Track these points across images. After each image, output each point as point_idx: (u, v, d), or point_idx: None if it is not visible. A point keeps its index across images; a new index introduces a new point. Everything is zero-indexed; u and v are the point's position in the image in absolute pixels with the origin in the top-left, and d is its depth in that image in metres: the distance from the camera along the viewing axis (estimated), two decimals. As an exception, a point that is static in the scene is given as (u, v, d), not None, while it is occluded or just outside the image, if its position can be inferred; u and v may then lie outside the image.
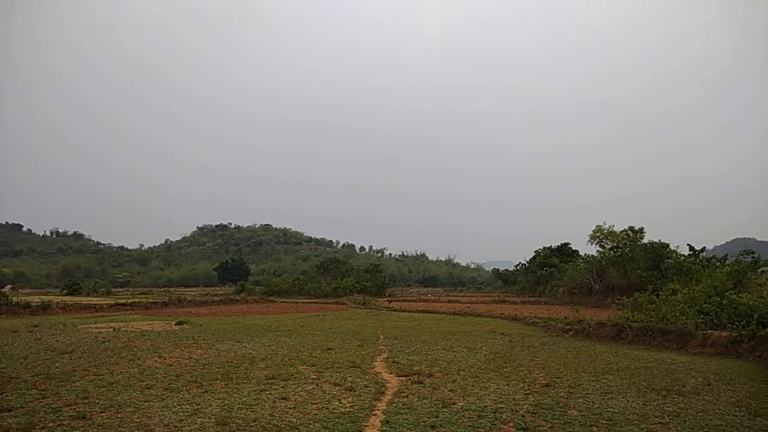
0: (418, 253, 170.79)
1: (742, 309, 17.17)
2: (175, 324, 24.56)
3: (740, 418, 8.43)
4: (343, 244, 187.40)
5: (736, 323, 16.81)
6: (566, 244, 67.54)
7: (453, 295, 65.98)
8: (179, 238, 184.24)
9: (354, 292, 59.93)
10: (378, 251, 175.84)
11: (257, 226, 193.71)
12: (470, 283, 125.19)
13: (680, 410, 8.89)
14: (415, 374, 11.87)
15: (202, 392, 9.93)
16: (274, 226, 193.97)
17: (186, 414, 8.32)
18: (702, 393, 10.37)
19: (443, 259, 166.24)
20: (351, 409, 8.69)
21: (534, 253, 70.29)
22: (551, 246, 68.52)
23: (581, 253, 62.02)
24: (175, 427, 7.63)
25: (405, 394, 9.87)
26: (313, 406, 8.93)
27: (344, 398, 9.52)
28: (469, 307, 39.19)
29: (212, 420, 7.97)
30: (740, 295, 18.57)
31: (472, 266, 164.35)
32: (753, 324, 16.14)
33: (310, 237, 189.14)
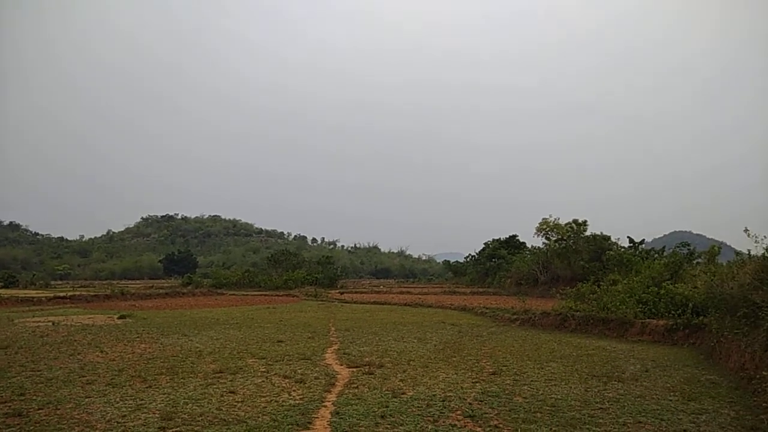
0: (371, 245, 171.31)
1: (678, 299, 18.05)
2: (118, 318, 23.72)
3: (675, 402, 8.89)
4: (295, 236, 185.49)
5: (673, 312, 17.68)
6: (514, 237, 69.19)
7: (405, 287, 66.50)
8: (122, 229, 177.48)
9: (305, 284, 59.48)
10: (330, 243, 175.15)
11: (205, 217, 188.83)
12: (422, 274, 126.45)
13: (619, 396, 9.30)
14: (365, 365, 11.93)
15: (146, 387, 9.66)
16: (223, 217, 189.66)
17: (129, 409, 8.07)
18: (640, 379, 10.88)
19: (395, 251, 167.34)
20: (301, 401, 8.66)
21: (483, 245, 71.72)
22: (500, 238, 70.04)
23: (528, 245, 63.77)
24: (118, 423, 7.39)
25: (355, 385, 9.90)
26: (262, 399, 8.84)
27: (294, 390, 9.47)
28: (420, 299, 39.63)
29: (157, 415, 7.76)
30: (676, 285, 19.50)
31: (424, 258, 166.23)
32: (688, 313, 17.02)
33: (261, 228, 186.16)
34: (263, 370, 11.44)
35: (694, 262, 27.41)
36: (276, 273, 67.09)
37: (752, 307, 10.77)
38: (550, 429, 7.23)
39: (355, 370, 11.53)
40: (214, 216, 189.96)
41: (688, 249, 34.20)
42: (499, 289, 53.02)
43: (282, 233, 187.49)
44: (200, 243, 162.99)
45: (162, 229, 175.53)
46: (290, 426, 7.29)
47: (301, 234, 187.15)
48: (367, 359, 12.73)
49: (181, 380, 10.29)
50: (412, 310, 30.91)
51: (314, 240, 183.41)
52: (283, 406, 8.38)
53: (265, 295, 48.96)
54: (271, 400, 8.74)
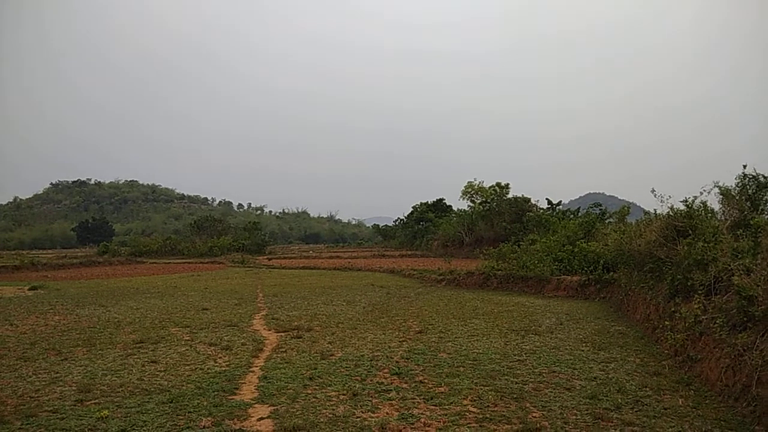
0: (300, 210, 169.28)
1: (591, 256, 19.19)
2: (29, 289, 22.28)
3: (586, 352, 9.52)
4: (220, 202, 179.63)
5: (586, 269, 18.82)
6: (441, 200, 70.67)
7: (334, 251, 66.59)
8: (30, 195, 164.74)
9: (232, 250, 58.17)
10: (257, 209, 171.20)
11: (121, 182, 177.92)
12: (352, 239, 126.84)
13: (536, 348, 9.83)
14: (294, 329, 11.90)
15: (62, 360, 9.18)
16: (140, 182, 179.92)
17: (43, 383, 7.65)
18: (555, 332, 11.54)
19: (325, 216, 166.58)
20: (227, 368, 8.53)
21: (412, 209, 72.81)
22: (427, 202, 71.29)
23: (455, 208, 65.37)
24: (31, 397, 6.98)
25: (284, 350, 9.87)
26: (186, 367, 8.63)
27: (220, 358, 9.31)
28: (349, 262, 39.86)
29: (73, 388, 7.40)
30: (589, 243, 20.67)
31: (354, 222, 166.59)
32: (599, 269, 18.17)
33: (183, 194, 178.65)
34: (187, 338, 11.14)
35: (606, 221, 28.96)
36: (200, 240, 65.06)
37: (657, 263, 11.59)
38: (472, 381, 7.54)
39: (283, 334, 11.47)
40: (131, 181, 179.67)
41: (601, 209, 36.14)
42: (426, 252, 54.28)
43: (206, 199, 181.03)
44: (116, 210, 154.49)
45: (74, 195, 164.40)
46: (216, 393, 7.16)
47: (227, 199, 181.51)
48: (295, 323, 12.69)
49: (99, 352, 9.84)
50: (342, 274, 31.08)
51: (240, 206, 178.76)
52: (208, 373, 8.22)
53: (189, 262, 47.44)
54: (196, 368, 8.55)
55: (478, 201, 51.41)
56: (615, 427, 5.72)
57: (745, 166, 12.22)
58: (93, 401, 6.85)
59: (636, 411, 6.24)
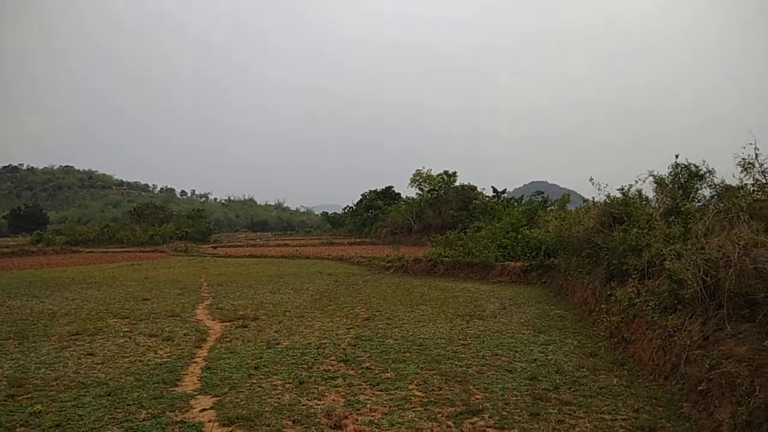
0: (246, 197, 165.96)
1: (533, 242, 19.76)
2: (-49, 282, 20.88)
3: (527, 335, 9.82)
4: (161, 189, 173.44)
5: (528, 254, 19.39)
6: (390, 188, 70.88)
7: (282, 239, 65.82)
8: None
9: (174, 239, 56.47)
10: (201, 196, 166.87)
11: (56, 167, 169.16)
12: (300, 227, 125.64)
13: (480, 332, 10.07)
14: (240, 319, 11.70)
15: (-11, 355, 8.68)
16: (76, 168, 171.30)
17: (-31, 380, 7.21)
18: (498, 316, 11.85)
19: (273, 204, 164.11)
20: (168, 359, 8.31)
21: (361, 197, 72.70)
22: (377, 189, 71.37)
23: (403, 196, 65.73)
24: (-46, 395, 6.57)
25: (228, 339, 9.69)
26: (125, 359, 8.34)
27: (161, 349, 9.06)
28: (298, 250, 39.49)
29: (4, 382, 7.03)
30: (532, 230, 21.28)
31: (302, 210, 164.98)
32: (541, 255, 18.76)
33: (122, 180, 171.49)
34: (126, 329, 10.76)
35: (548, 209, 29.89)
36: (140, 228, 62.77)
37: (594, 248, 12.08)
38: (418, 366, 7.64)
39: (228, 324, 11.25)
40: (66, 167, 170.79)
41: (543, 197, 37.26)
42: (375, 239, 54.42)
43: (146, 185, 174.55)
44: (50, 197, 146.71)
45: (5, 181, 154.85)
46: (156, 385, 6.96)
47: (168, 186, 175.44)
48: (241, 313, 12.48)
49: (32, 344, 9.38)
50: (290, 262, 30.75)
51: (183, 192, 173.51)
52: (148, 365, 7.98)
53: (129, 251, 45.73)
54: (135, 360, 8.28)
55: (427, 189, 51.81)
56: (553, 406, 5.94)
57: (677, 156, 12.84)
58: (25, 396, 6.54)
59: (573, 391, 6.49)
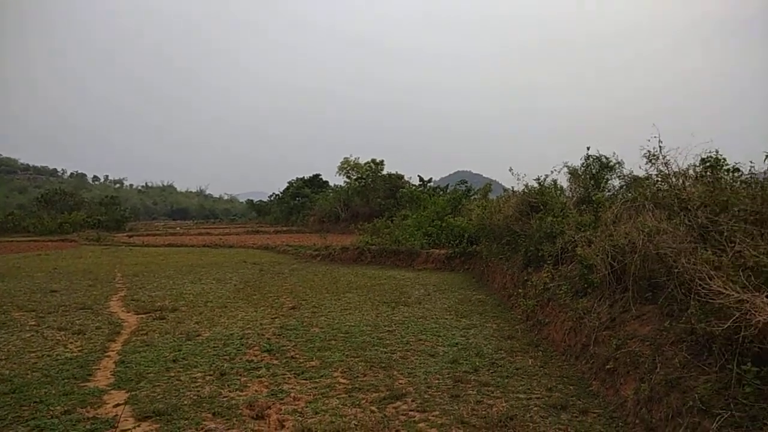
0: (165, 183, 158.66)
1: (457, 230, 20.29)
2: None
3: (450, 320, 10.09)
4: (72, 174, 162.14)
5: (452, 242, 19.89)
6: (317, 176, 70.22)
7: (205, 228, 63.63)
8: None
9: (86, 227, 53.18)
10: (116, 181, 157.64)
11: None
12: (224, 215, 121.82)
13: (405, 318, 10.23)
14: (157, 310, 11.23)
15: None
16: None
17: None
18: (423, 302, 12.09)
19: (194, 191, 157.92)
20: (79, 354, 7.87)
21: (287, 184, 71.51)
22: (304, 177, 70.48)
23: (331, 184, 65.35)
24: None
25: (144, 332, 9.30)
26: (32, 354, 7.82)
27: (71, 343, 8.55)
28: (221, 239, 38.37)
29: None
30: (456, 218, 21.84)
31: (226, 198, 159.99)
32: (464, 242, 19.29)
33: (28, 164, 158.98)
34: (33, 323, 10.06)
35: (472, 198, 30.74)
36: (48, 216, 58.47)
37: (513, 236, 12.56)
38: (343, 354, 7.66)
39: (144, 316, 10.78)
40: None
41: (466, 186, 38.23)
42: (302, 227, 53.81)
43: (55, 170, 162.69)
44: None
45: None
46: (66, 380, 6.57)
47: (80, 171, 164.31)
48: (158, 304, 11.98)
49: None
50: (212, 251, 29.83)
51: (96, 178, 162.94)
52: (57, 360, 7.52)
53: (36, 241, 42.57)
54: (43, 355, 7.78)
55: (354, 177, 51.80)
56: (473, 388, 6.15)
57: (588, 148, 13.53)
58: None
59: (492, 372, 6.75)
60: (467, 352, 7.69)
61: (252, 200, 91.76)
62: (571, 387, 6.22)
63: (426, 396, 5.88)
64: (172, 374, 6.83)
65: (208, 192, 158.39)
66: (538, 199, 12.22)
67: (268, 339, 8.64)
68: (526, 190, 13.00)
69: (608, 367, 6.00)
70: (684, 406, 4.45)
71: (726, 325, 4.18)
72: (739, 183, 6.64)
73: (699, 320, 4.65)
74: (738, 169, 6.62)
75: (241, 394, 6.05)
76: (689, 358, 4.83)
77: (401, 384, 6.29)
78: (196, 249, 32.08)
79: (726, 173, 6.60)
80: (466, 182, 40.06)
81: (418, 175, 48.13)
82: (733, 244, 4.89)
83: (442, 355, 7.59)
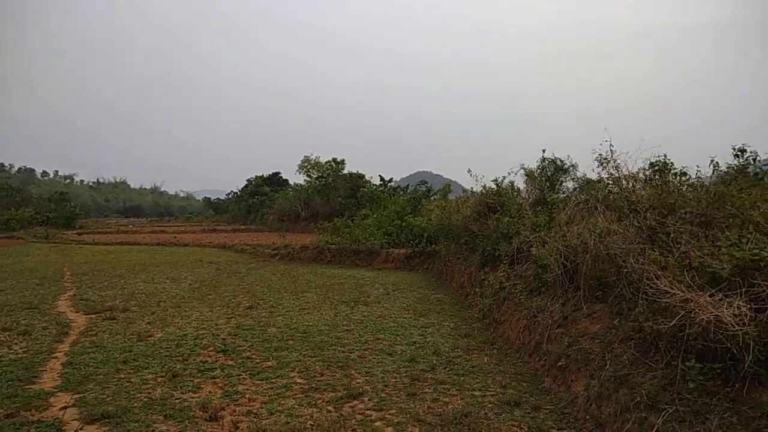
0: (118, 180, 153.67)
1: (416, 230, 20.41)
2: None
3: (408, 319, 10.14)
4: (19, 168, 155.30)
5: (412, 242, 20.00)
6: (277, 174, 69.40)
7: (159, 226, 61.87)
8: None
9: (34, 224, 50.92)
10: (66, 177, 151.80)
11: None
12: (179, 212, 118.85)
13: (363, 318, 10.22)
14: (107, 310, 10.86)
15: None
16: None
17: None
18: (382, 301, 12.11)
19: (148, 187, 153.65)
20: (24, 355, 7.55)
21: (246, 182, 70.40)
22: (263, 175, 69.55)
23: (291, 182, 64.72)
24: None
25: (94, 333, 8.98)
26: (-30, 358, 7.42)
27: (15, 344, 8.17)
28: (176, 237, 37.46)
29: None
30: (415, 218, 21.97)
31: (182, 195, 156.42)
32: (423, 242, 19.42)
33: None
34: (-28, 325, 9.56)
35: (431, 198, 30.99)
36: (-7, 212, 55.82)
37: (471, 236, 12.73)
38: (300, 353, 7.59)
39: (94, 316, 10.40)
40: None
41: (426, 186, 38.57)
42: (261, 226, 53.07)
43: (2, 165, 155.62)
44: None
45: None
46: (10, 382, 6.28)
47: (28, 166, 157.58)
48: (109, 304, 11.58)
49: None
50: (167, 250, 29.07)
51: (45, 173, 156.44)
52: (0, 362, 7.15)
53: (-22, 238, 40.55)
54: (-17, 358, 7.39)
55: (315, 176, 51.44)
56: (429, 386, 6.19)
57: (544, 151, 13.84)
58: None
59: (448, 370, 6.82)
60: (425, 351, 7.74)
61: (209, 198, 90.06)
62: (525, 384, 6.34)
63: (383, 395, 5.89)
64: (122, 376, 6.62)
65: (163, 189, 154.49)
66: (496, 200, 12.43)
67: (224, 339, 8.47)
68: (483, 191, 13.20)
69: (560, 364, 6.16)
70: (632, 401, 4.60)
71: (671, 323, 4.34)
72: (686, 186, 6.93)
73: (646, 318, 4.81)
74: (685, 173, 6.92)
75: (194, 395, 5.92)
76: (637, 355, 5.00)
77: (358, 383, 6.28)
78: (150, 247, 31.20)
79: (674, 177, 6.88)
80: (427, 182, 40.40)
81: (379, 175, 48.19)
82: (679, 245, 5.10)
83: (399, 353, 7.61)
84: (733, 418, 3.76)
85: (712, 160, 6.66)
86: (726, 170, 7.93)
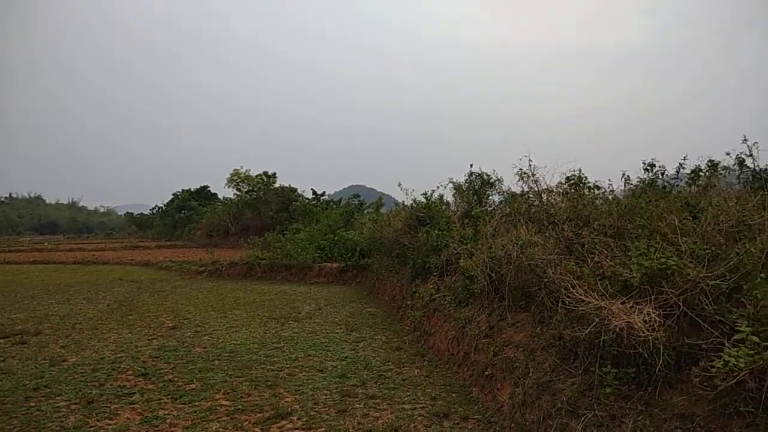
0: (32, 195, 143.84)
1: (349, 244, 20.36)
2: None
3: (340, 334, 10.06)
4: None
5: (344, 256, 19.93)
6: (205, 187, 67.36)
7: (77, 243, 58.31)
8: None
9: (-67, 243, 46.79)
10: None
11: None
12: (100, 229, 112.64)
13: (294, 334, 10.04)
14: (18, 334, 10.11)
15: None
16: None
17: None
18: (313, 317, 11.96)
19: (65, 203, 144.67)
20: None
21: (172, 196, 67.85)
22: (190, 189, 67.31)
23: (220, 196, 62.99)
24: None
25: (2, 359, 8.34)
26: None
27: None
28: (95, 255, 35.41)
29: None
30: (348, 232, 21.92)
31: (102, 210, 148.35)
32: (356, 256, 19.40)
33: None
34: None
35: (365, 211, 31.07)
36: None
37: (402, 249, 12.85)
38: (227, 374, 7.34)
39: (2, 341, 9.63)
40: None
41: (359, 200, 38.66)
42: (188, 242, 51.27)
43: None
44: None
45: None
46: None
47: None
48: (19, 327, 10.78)
49: None
50: (85, 269, 27.43)
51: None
52: None
53: None
54: None
55: (245, 189, 50.37)
56: (360, 401, 6.15)
57: (471, 165, 14.24)
58: None
59: (379, 384, 6.81)
60: (356, 366, 7.70)
61: (132, 213, 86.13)
62: (454, 394, 6.43)
63: (312, 413, 5.79)
64: (33, 404, 6.16)
65: (82, 204, 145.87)
66: (425, 213, 12.63)
67: (144, 362, 8.06)
68: (414, 205, 13.39)
69: (487, 373, 6.30)
70: (554, 408, 4.76)
71: (587, 331, 4.54)
72: (600, 200, 7.33)
73: (565, 326, 5.01)
74: (598, 186, 7.32)
75: (110, 422, 5.58)
76: (558, 362, 5.19)
77: (287, 402, 6.14)
78: (66, 266, 29.34)
79: (588, 190, 7.27)
80: (360, 196, 40.48)
81: (312, 189, 47.90)
82: (593, 256, 5.36)
83: (330, 369, 7.53)
84: (646, 420, 3.95)
85: (623, 174, 7.12)
86: (636, 184, 8.48)
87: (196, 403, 6.15)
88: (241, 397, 6.37)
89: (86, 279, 21.34)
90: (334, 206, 39.97)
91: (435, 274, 10.21)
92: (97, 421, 5.63)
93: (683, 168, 8.29)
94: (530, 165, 8.04)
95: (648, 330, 4.12)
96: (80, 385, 6.90)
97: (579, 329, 4.71)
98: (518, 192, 9.62)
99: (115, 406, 6.11)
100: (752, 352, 3.41)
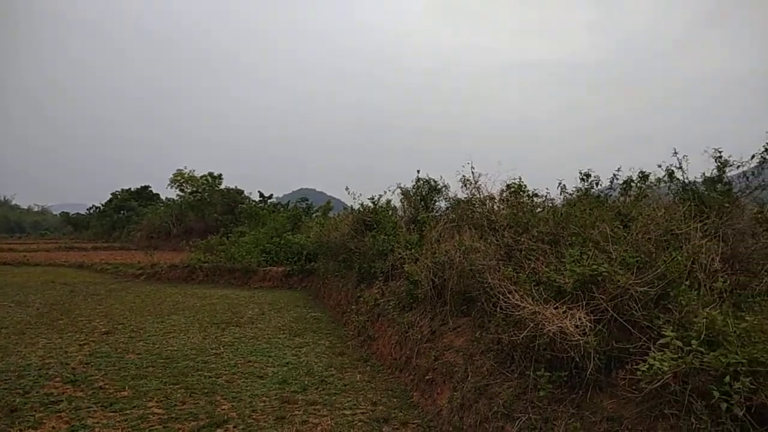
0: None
1: (295, 247, 20.13)
2: None
3: (283, 339, 9.91)
4: None
5: (290, 259, 19.68)
6: (146, 187, 65.10)
7: (8, 243, 55.01)
8: None
9: None
10: None
11: None
12: (32, 228, 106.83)
13: (235, 340, 9.81)
14: (-70, 341, 9.39)
15: None
16: None
17: None
18: (256, 322, 11.73)
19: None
20: None
21: (111, 196, 65.15)
22: (130, 188, 64.86)
23: (162, 197, 61.02)
24: None
25: None
26: None
27: None
28: (26, 256, 33.49)
29: None
30: (295, 235, 21.68)
31: (36, 209, 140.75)
32: (302, 260, 19.20)
33: None
34: None
35: (313, 215, 30.84)
36: None
37: (349, 253, 12.81)
38: (161, 381, 7.07)
39: None
40: None
41: (307, 203, 38.37)
42: (127, 244, 49.26)
43: None
44: None
45: None
46: None
47: None
48: (-67, 334, 10.04)
49: None
50: (14, 270, 25.88)
51: None
52: None
53: None
54: None
55: (189, 190, 48.97)
56: (300, 408, 6.07)
57: (419, 171, 14.37)
58: None
59: (320, 390, 6.74)
60: (297, 371, 7.60)
61: (68, 213, 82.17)
62: (395, 399, 6.45)
63: (250, 421, 5.66)
64: (-58, 418, 5.73)
65: (14, 202, 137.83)
66: (372, 218, 12.64)
67: (73, 368, 7.67)
68: (361, 209, 13.39)
69: (428, 377, 6.35)
70: (490, 411, 4.84)
71: (523, 335, 4.66)
72: (539, 209, 7.55)
73: (503, 331, 5.13)
74: (537, 194, 7.54)
75: (33, 433, 5.27)
76: (496, 366, 5.29)
77: (224, 410, 5.98)
78: (-7, 267, 27.64)
79: (527, 197, 7.47)
80: (308, 199, 40.19)
81: (259, 191, 47.20)
82: (530, 262, 5.51)
83: (271, 376, 7.39)
84: (577, 423, 4.08)
85: (559, 183, 7.38)
86: (572, 193, 8.80)
87: (128, 412, 5.89)
88: (176, 405, 6.15)
89: (16, 281, 20.15)
90: (282, 209, 39.50)
91: (380, 278, 10.23)
92: (20, 430, 5.31)
93: (617, 179, 8.67)
94: (473, 172, 8.19)
95: (579, 334, 4.26)
96: (3, 393, 6.49)
97: (515, 334, 4.82)
98: (464, 198, 9.77)
99: (41, 414, 5.78)
100: (676, 355, 3.57)
